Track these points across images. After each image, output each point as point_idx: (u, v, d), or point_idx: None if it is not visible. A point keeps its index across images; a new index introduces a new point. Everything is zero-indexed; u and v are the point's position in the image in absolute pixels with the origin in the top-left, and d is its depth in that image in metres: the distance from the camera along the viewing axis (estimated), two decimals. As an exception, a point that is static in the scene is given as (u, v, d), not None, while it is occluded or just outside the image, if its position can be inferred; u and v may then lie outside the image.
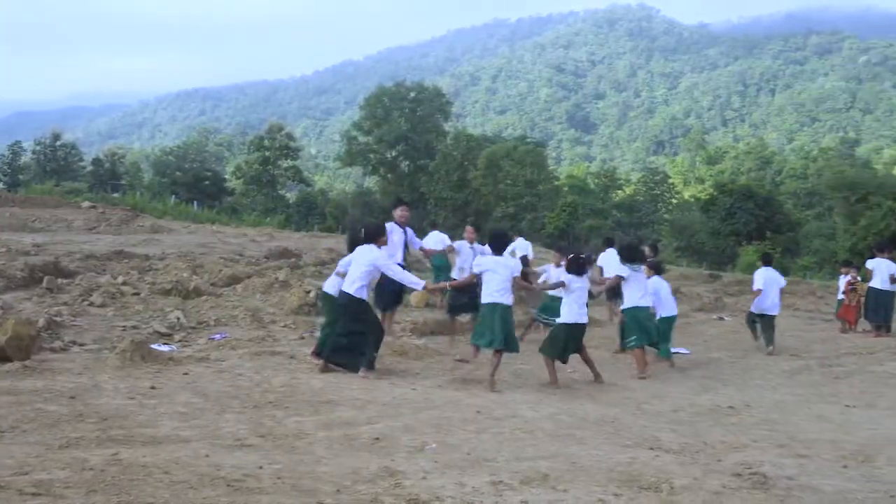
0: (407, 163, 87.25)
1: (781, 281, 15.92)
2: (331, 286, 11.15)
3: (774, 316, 15.28)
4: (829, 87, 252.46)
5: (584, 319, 10.93)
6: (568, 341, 10.76)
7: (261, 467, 5.84)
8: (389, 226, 12.59)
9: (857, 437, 8.18)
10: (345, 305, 10.29)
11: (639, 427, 8.05)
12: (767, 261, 16.39)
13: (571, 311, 10.78)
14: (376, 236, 10.65)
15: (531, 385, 10.35)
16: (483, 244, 14.38)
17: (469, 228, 15.55)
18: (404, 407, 8.36)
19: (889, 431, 8.55)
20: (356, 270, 10.34)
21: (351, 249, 10.88)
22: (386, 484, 5.60)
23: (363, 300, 10.35)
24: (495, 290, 10.20)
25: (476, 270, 10.59)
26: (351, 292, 10.22)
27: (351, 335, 10.15)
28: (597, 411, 8.76)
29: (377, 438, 6.93)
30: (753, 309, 15.63)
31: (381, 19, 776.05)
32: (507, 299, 10.23)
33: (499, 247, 10.73)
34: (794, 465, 6.66)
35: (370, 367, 10.17)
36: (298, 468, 5.90)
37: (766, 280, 15.41)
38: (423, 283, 10.59)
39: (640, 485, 5.83)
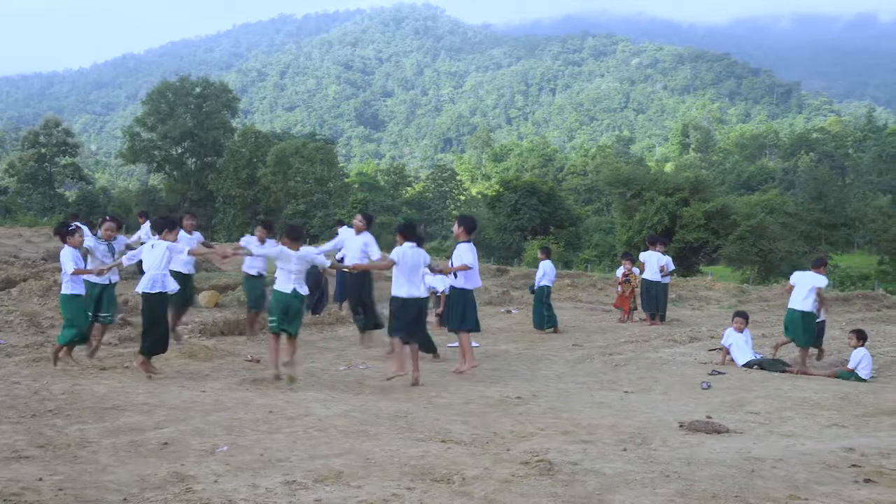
0: (193, 160, 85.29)
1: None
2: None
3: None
4: (605, 88, 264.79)
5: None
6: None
7: (41, 479, 5.57)
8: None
9: (635, 420, 8.59)
10: None
11: (431, 420, 8.16)
12: (548, 253, 17.46)
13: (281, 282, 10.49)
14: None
15: (324, 383, 10.32)
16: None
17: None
18: (194, 410, 8.17)
19: (663, 414, 9.02)
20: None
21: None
22: (176, 489, 5.46)
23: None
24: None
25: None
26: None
27: None
28: (389, 407, 8.82)
29: (166, 443, 6.74)
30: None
31: (163, 12, 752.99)
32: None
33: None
34: (578, 451, 6.92)
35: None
36: (82, 478, 5.66)
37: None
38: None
39: (432, 477, 5.91)
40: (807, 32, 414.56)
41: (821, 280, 13.44)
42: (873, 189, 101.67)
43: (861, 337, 12.67)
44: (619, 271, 19.89)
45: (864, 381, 11.98)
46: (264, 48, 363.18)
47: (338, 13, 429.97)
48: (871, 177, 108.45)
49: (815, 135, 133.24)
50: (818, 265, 13.75)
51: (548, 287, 17.37)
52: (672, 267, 19.23)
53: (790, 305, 13.45)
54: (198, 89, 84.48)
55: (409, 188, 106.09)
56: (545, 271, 17.43)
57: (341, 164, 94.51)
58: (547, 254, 17.98)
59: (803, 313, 13.17)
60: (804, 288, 13.35)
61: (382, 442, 7.06)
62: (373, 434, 7.38)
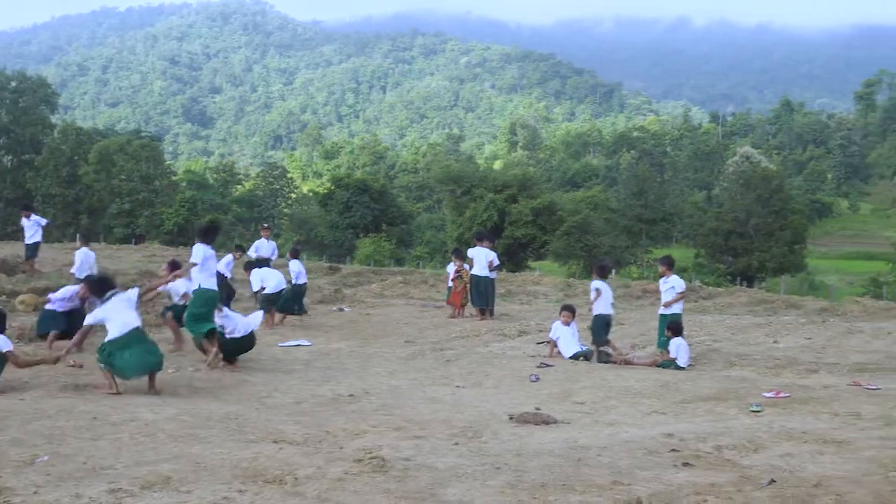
0: (10, 157, 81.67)
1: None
2: None
3: None
4: (435, 86, 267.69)
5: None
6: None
7: None
8: None
9: (467, 415, 8.75)
10: None
11: (262, 421, 8.08)
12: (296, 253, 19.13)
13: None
14: None
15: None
16: None
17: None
18: (11, 419, 7.81)
19: (494, 407, 9.21)
20: None
21: None
22: (-9, 503, 5.23)
23: None
24: None
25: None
26: None
27: None
28: (220, 409, 8.67)
29: (-19, 455, 6.43)
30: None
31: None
32: None
33: None
34: (411, 447, 6.99)
35: None
36: None
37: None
38: None
39: (264, 479, 5.85)
40: (628, 34, 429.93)
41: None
42: (689, 185, 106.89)
43: (671, 328, 13.17)
44: (451, 268, 20.11)
45: (683, 369, 12.51)
46: (85, 41, 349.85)
47: (163, 7, 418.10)
48: (688, 174, 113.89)
49: (635, 133, 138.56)
50: (671, 265, 14.43)
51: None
52: (497, 262, 19.51)
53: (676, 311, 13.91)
54: (13, 83, 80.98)
55: (239, 186, 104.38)
56: (298, 270, 17.94)
57: (168, 162, 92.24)
58: (295, 254, 18.73)
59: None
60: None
61: (213, 445, 6.94)
62: (203, 437, 7.24)
